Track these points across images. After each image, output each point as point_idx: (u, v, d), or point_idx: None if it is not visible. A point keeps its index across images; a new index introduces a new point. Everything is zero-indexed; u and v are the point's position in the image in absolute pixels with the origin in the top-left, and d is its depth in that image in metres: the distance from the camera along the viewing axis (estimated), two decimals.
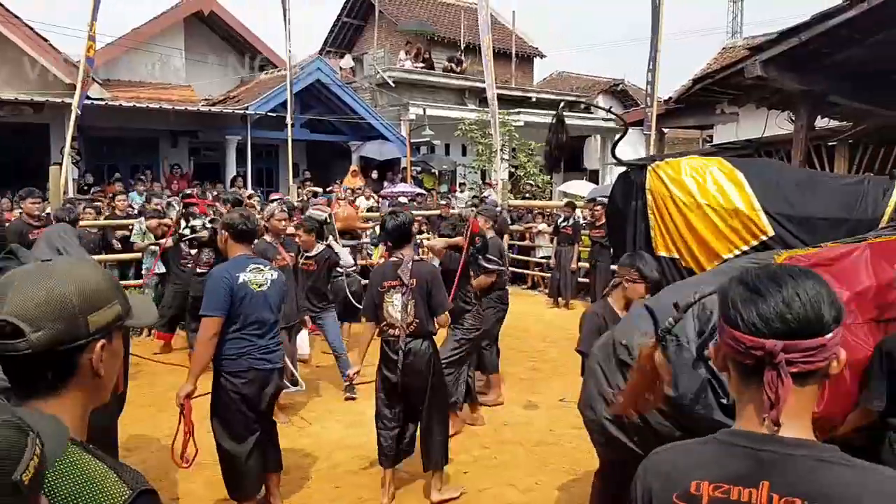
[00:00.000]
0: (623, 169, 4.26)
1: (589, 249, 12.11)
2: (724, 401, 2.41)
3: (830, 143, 11.07)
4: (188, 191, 8.36)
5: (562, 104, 4.68)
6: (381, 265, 5.11)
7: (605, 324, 4.07)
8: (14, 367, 1.36)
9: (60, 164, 11.35)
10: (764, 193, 3.64)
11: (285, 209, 6.70)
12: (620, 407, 2.49)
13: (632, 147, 26.06)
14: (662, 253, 3.95)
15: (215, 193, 13.60)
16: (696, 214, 3.76)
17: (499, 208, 13.66)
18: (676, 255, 3.88)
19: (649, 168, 4.02)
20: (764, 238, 3.56)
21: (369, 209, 14.34)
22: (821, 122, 9.51)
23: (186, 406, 4.20)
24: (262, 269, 4.47)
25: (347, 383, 6.99)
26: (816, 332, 1.29)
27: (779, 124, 10.32)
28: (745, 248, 3.59)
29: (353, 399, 7.01)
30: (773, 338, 1.29)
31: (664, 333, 2.32)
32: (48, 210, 8.67)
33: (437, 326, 4.85)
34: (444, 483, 4.93)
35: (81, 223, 8.72)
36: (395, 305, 4.65)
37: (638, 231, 4.08)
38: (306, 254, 7.17)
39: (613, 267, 11.77)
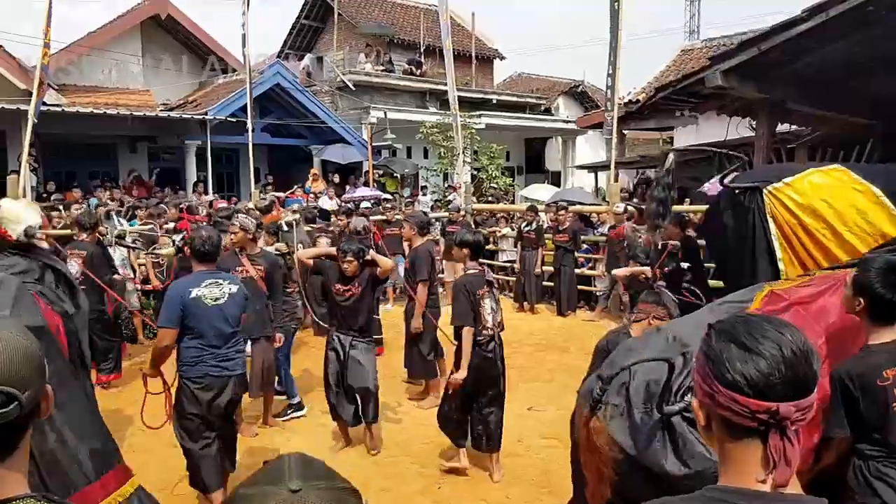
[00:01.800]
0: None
1: (553, 253, 12.16)
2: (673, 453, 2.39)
3: (790, 146, 11.32)
4: (182, 204, 8.29)
5: (670, 158, 4.38)
6: (464, 277, 5.43)
7: None
8: None
9: (18, 173, 11.07)
10: None
11: (236, 222, 6.52)
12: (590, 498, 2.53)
13: (592, 149, 26.33)
14: None
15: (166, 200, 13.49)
16: (836, 243, 3.49)
17: (462, 211, 13.68)
18: None
19: (766, 192, 3.74)
20: None
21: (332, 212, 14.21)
22: (781, 126, 9.70)
23: (158, 376, 4.69)
24: (221, 284, 4.72)
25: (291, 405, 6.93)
26: (811, 389, 1.29)
27: (739, 130, 10.49)
28: None
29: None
30: (778, 400, 1.25)
31: (595, 403, 2.35)
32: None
33: None
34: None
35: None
36: (487, 309, 5.25)
37: (760, 261, 3.77)
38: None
39: (578, 270, 12.01)
